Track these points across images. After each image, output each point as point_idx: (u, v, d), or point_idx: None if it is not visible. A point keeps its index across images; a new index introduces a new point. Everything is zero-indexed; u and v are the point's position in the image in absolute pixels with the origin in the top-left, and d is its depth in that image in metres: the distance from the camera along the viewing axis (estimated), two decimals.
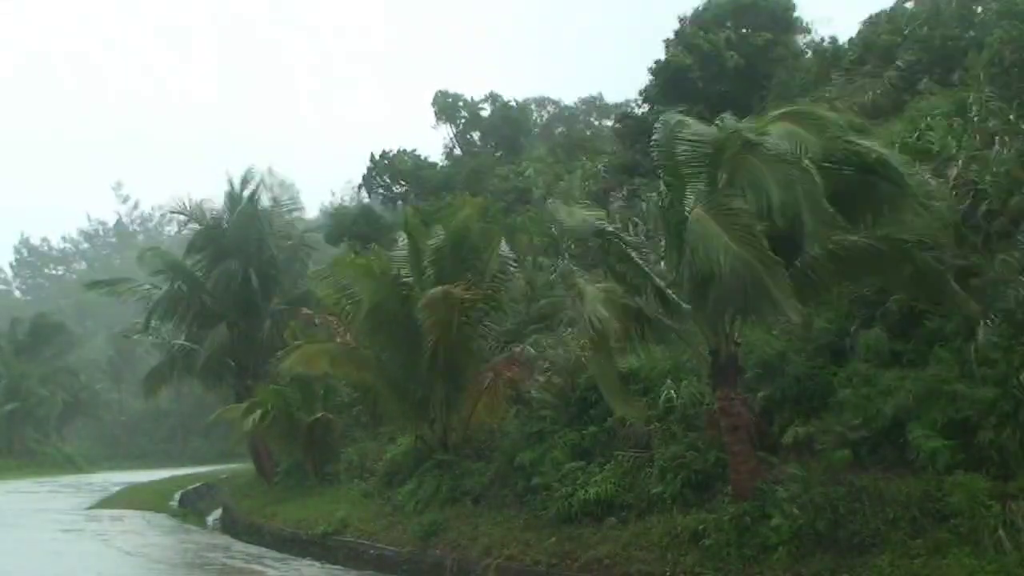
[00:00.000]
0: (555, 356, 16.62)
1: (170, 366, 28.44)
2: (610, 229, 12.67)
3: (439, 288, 16.63)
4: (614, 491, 13.19)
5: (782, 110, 11.75)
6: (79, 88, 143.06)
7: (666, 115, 12.53)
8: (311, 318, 23.00)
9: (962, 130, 14.00)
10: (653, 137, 12.39)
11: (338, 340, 19.96)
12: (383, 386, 18.34)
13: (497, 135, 37.50)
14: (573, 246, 19.41)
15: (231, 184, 28.43)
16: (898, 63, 19.71)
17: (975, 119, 13.93)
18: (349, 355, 18.84)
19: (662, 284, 11.98)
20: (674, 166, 11.75)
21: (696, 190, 11.36)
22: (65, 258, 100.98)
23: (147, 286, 28.17)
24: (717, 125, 11.67)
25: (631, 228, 15.29)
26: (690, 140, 11.42)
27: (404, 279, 18.19)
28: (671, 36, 26.67)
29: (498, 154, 35.21)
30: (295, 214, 30.67)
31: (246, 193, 28.46)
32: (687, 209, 11.15)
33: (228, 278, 26.62)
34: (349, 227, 32.96)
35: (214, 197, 29.40)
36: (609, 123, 42.88)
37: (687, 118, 12.04)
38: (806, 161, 10.37)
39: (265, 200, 29.29)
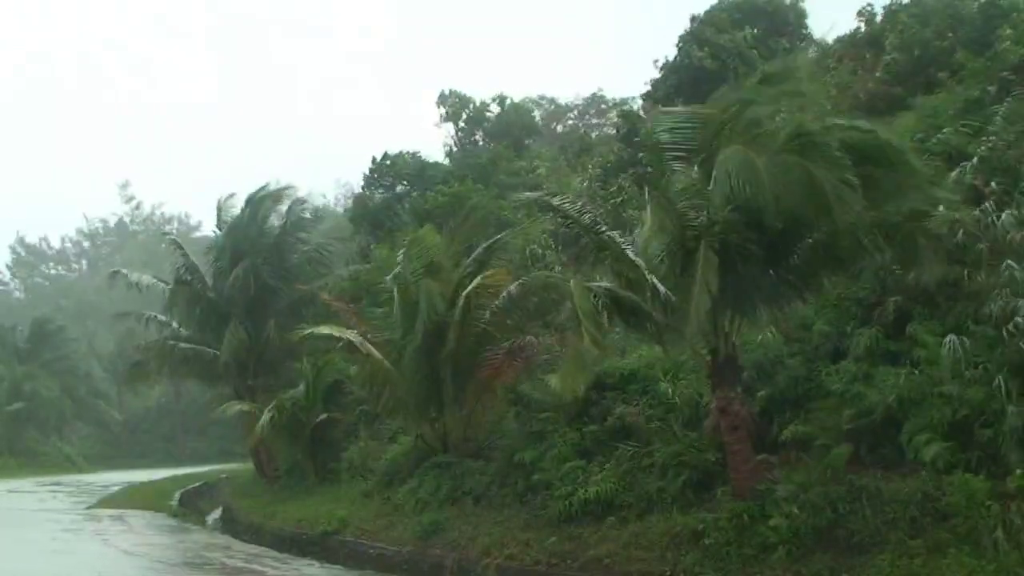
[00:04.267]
0: (553, 357, 16.63)
1: (159, 361, 28.50)
2: (604, 231, 12.58)
3: (473, 283, 16.89)
4: (614, 490, 13.20)
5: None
6: (79, 88, 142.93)
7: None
8: (340, 308, 22.88)
9: (977, 131, 13.97)
10: (644, 131, 12.38)
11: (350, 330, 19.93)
12: (397, 380, 18.28)
13: (502, 135, 37.49)
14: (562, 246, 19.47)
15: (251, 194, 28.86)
16: (888, 59, 19.67)
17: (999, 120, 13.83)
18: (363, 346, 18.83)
19: (659, 284, 11.96)
20: (661, 159, 11.73)
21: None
22: (65, 257, 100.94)
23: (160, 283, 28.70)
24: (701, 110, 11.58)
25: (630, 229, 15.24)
26: (678, 128, 11.41)
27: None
28: (683, 32, 26.63)
29: (504, 146, 35.17)
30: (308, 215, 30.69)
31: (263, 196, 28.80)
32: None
33: (242, 279, 26.74)
34: (372, 213, 33.14)
35: (220, 198, 29.58)
36: (606, 121, 42.99)
37: (675, 109, 12.01)
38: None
39: (283, 207, 29.31)
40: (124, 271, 30.31)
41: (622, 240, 12.49)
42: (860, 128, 10.88)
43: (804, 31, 27.48)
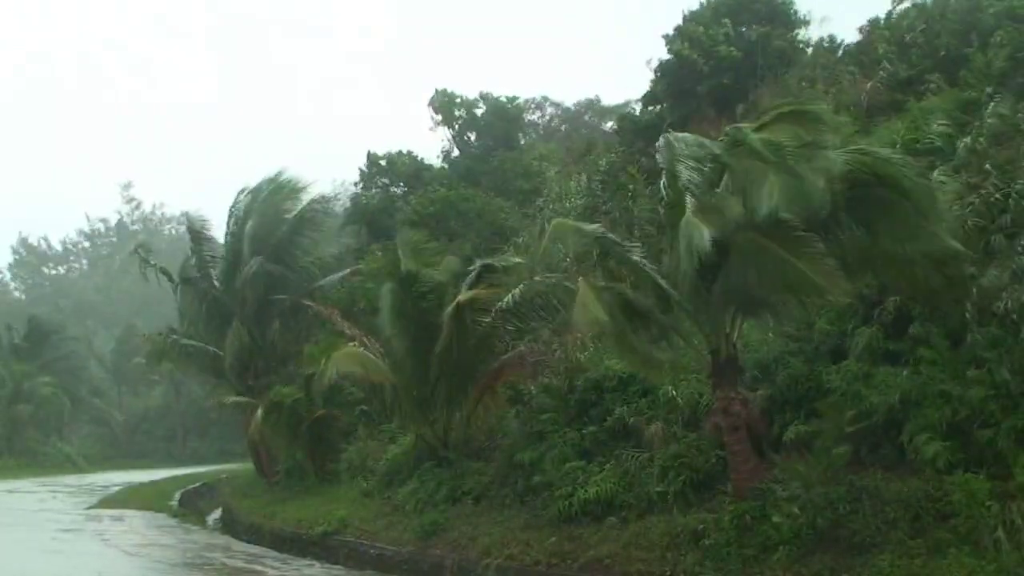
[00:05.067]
0: (553, 359, 16.63)
1: (160, 355, 28.58)
2: (610, 236, 12.67)
3: (465, 295, 16.81)
4: (614, 491, 13.20)
5: (782, 109, 11.69)
6: (79, 88, 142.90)
7: (669, 135, 12.48)
8: (332, 314, 22.87)
9: (968, 131, 13.96)
10: (656, 145, 12.44)
11: (347, 336, 19.96)
12: (400, 382, 18.27)
13: (492, 133, 37.47)
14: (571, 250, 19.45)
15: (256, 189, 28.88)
16: (888, 67, 19.63)
17: (986, 119, 13.82)
18: (364, 357, 18.84)
19: (664, 283, 11.97)
20: (674, 174, 11.74)
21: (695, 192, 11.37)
22: (65, 258, 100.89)
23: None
24: (725, 132, 11.57)
25: (630, 229, 15.31)
26: (691, 156, 11.43)
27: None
28: (670, 33, 26.70)
29: (499, 151, 35.24)
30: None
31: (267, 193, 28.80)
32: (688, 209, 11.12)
33: (251, 277, 26.84)
34: (370, 215, 33.15)
35: (220, 197, 29.68)
36: (607, 125, 42.95)
37: (687, 135, 12.06)
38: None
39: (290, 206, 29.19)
40: (142, 253, 30.07)
41: (632, 249, 12.53)
42: (870, 153, 10.88)
43: (792, 17, 27.41)
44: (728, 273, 10.95)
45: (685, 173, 11.18)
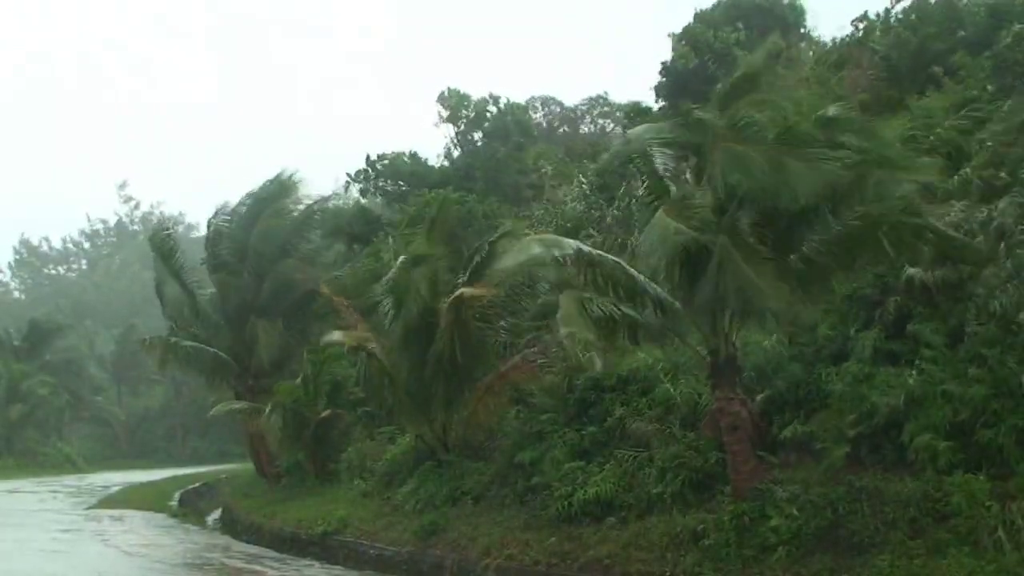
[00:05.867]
0: (552, 358, 16.59)
1: (162, 357, 28.55)
2: (588, 250, 12.27)
3: (458, 292, 16.75)
4: (614, 491, 13.18)
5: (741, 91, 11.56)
6: (79, 88, 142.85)
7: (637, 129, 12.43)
8: (340, 303, 22.79)
9: (971, 129, 13.96)
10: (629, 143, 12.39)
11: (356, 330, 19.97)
12: (398, 380, 18.30)
13: (499, 136, 37.44)
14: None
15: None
16: (880, 60, 19.65)
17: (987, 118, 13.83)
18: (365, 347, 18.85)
19: (655, 290, 11.91)
20: (652, 169, 11.72)
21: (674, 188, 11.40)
22: (65, 258, 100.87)
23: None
24: (694, 118, 11.46)
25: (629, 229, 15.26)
26: (665, 141, 11.40)
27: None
28: (675, 32, 26.75)
29: (506, 151, 35.25)
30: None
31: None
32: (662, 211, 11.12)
33: (258, 279, 26.83)
34: (345, 226, 33.08)
35: (218, 197, 29.61)
36: (612, 123, 42.92)
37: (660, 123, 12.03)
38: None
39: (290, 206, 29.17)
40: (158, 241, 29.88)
41: (619, 261, 12.44)
42: (847, 120, 10.86)
43: (803, 29, 27.49)
44: (712, 276, 10.89)
45: (660, 165, 11.15)
